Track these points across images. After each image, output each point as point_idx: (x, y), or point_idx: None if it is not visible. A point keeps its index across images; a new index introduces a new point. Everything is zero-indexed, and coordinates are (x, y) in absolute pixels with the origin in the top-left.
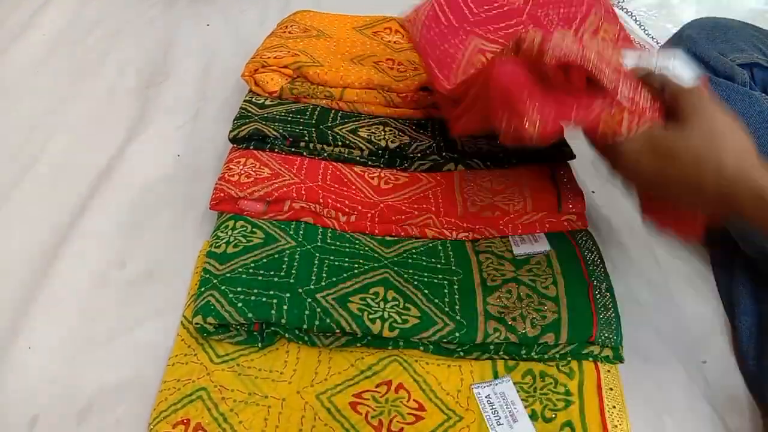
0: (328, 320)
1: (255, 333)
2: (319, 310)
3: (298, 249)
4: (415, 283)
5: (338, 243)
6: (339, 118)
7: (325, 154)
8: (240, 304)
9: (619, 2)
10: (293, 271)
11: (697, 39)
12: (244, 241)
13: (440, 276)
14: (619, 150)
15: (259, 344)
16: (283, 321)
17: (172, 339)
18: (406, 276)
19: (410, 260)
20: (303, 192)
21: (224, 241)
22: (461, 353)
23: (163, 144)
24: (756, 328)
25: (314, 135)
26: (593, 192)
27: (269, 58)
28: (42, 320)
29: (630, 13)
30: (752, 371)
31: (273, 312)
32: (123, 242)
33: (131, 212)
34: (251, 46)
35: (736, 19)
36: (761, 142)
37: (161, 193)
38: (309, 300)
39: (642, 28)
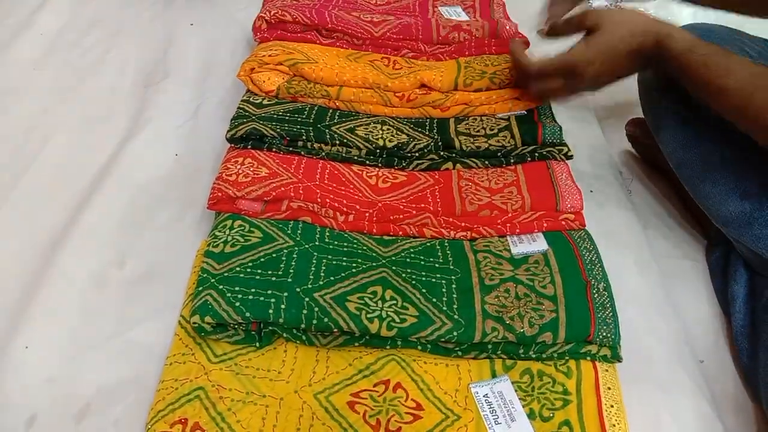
0: (326, 319)
1: (253, 332)
2: (317, 309)
3: (296, 248)
4: (413, 282)
5: (336, 242)
6: (336, 117)
7: (323, 154)
8: (238, 304)
9: (616, 3)
10: (291, 271)
11: None
12: (242, 240)
13: (438, 275)
14: (581, 72)
15: (257, 344)
16: (281, 320)
17: (170, 338)
18: (404, 275)
19: (408, 259)
20: (301, 191)
21: (222, 240)
22: (459, 352)
23: (161, 143)
24: (748, 326)
25: (312, 134)
26: (591, 191)
27: (265, 56)
28: (40, 320)
29: None
30: (746, 367)
31: (271, 311)
32: (121, 241)
33: (130, 212)
34: (249, 45)
35: (725, 26)
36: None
37: (160, 193)
38: (307, 299)
39: None
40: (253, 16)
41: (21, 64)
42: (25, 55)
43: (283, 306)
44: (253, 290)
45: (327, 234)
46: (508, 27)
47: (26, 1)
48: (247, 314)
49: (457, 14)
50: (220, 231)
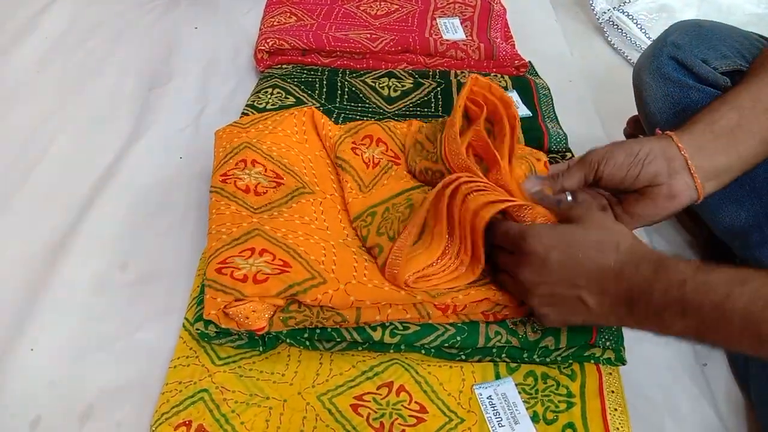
0: (329, 329)
1: (256, 338)
2: None
3: None
4: None
5: None
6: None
7: None
8: None
9: (620, 6)
10: None
11: (681, 45)
12: None
13: None
14: (530, 248)
15: (260, 348)
16: (284, 331)
17: (174, 341)
18: None
19: None
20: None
21: None
22: (463, 356)
23: (164, 146)
24: None
25: None
26: None
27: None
28: (44, 322)
29: (631, 17)
30: (740, 369)
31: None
32: (125, 244)
33: (133, 214)
34: (252, 49)
35: (723, 23)
36: None
37: (163, 195)
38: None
39: (643, 31)
40: (257, 20)
41: (24, 67)
42: (28, 58)
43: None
44: None
45: None
46: (504, 49)
47: (29, 4)
48: None
49: (454, 29)
50: None
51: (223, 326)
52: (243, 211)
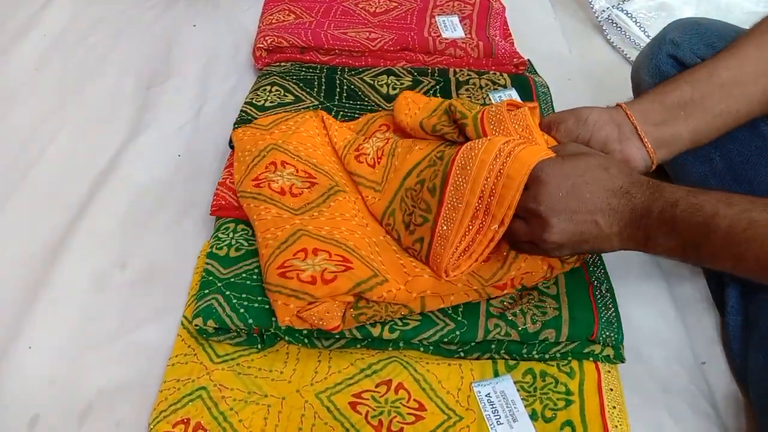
0: None
1: (255, 336)
2: None
3: None
4: None
5: None
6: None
7: None
8: (242, 310)
9: (619, 4)
10: None
11: (679, 43)
12: (246, 244)
13: None
14: (548, 178)
15: (259, 345)
16: (283, 328)
17: (172, 339)
18: None
19: None
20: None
21: (226, 243)
22: (462, 354)
23: (163, 144)
24: (742, 327)
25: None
26: None
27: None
28: (43, 320)
29: (630, 15)
30: (738, 367)
31: (274, 319)
32: (123, 242)
33: (132, 212)
34: (251, 47)
35: (722, 21)
36: (741, 149)
37: (162, 194)
38: None
39: (642, 29)
40: (257, 17)
41: (23, 66)
42: (27, 57)
43: None
44: (259, 298)
45: None
46: (503, 47)
47: (29, 3)
48: (250, 321)
49: (453, 27)
50: (223, 233)
51: (296, 327)
52: (284, 214)
